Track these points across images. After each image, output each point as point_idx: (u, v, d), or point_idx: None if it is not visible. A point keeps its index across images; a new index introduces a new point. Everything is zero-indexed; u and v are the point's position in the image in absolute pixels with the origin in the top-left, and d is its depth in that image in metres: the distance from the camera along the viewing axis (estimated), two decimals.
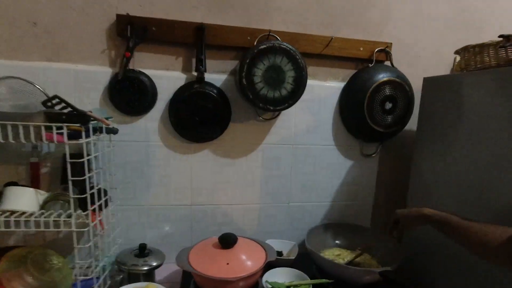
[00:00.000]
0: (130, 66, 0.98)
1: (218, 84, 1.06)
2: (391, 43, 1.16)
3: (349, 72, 1.18)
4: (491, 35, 0.91)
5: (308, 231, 1.15)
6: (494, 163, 0.84)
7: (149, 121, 1.04)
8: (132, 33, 0.94)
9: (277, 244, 1.15)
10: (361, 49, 1.13)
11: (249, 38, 1.03)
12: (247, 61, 0.97)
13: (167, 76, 1.03)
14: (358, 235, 1.20)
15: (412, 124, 1.18)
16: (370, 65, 1.14)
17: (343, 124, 1.20)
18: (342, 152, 1.23)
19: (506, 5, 1.25)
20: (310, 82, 1.10)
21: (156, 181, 1.08)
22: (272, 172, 1.18)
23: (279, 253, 1.15)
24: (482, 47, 0.89)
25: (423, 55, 1.23)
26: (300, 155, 1.19)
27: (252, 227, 1.20)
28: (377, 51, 1.14)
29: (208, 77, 1.04)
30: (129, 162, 1.05)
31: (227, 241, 0.95)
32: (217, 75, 1.07)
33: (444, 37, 1.23)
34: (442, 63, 1.25)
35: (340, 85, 1.18)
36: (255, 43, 1.02)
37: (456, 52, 0.99)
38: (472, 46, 0.92)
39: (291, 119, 1.15)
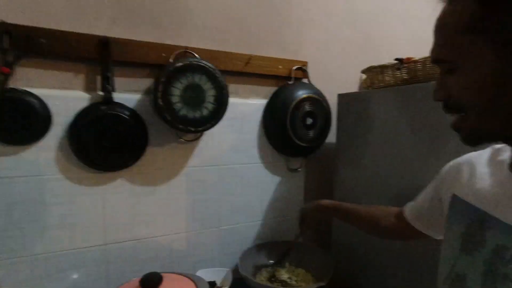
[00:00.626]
0: (12, 85, 0.80)
1: (130, 104, 0.94)
2: (307, 62, 1.22)
3: (270, 89, 1.19)
4: (387, 58, 1.02)
5: (240, 255, 1.10)
6: (398, 167, 0.93)
7: (42, 150, 0.86)
8: (11, 44, 0.77)
9: (209, 274, 1.06)
10: (280, 67, 1.16)
11: (163, 54, 0.95)
12: (163, 80, 0.88)
13: (64, 96, 0.87)
14: (290, 251, 1.19)
15: (332, 137, 1.25)
16: (289, 82, 1.17)
17: (268, 141, 1.20)
18: (269, 169, 1.22)
19: (398, 33, 1.45)
20: (232, 100, 1.07)
21: (55, 223, 0.89)
22: (199, 197, 1.10)
23: (212, 284, 1.06)
24: (382, 68, 0.99)
25: (335, 73, 1.33)
26: (227, 176, 1.14)
27: (180, 259, 1.09)
28: (295, 69, 1.18)
29: (118, 97, 0.92)
30: (16, 203, 0.84)
31: (150, 283, 0.83)
32: (128, 94, 0.95)
33: (351, 57, 1.35)
34: (351, 81, 1.36)
35: (263, 102, 1.18)
36: (170, 60, 0.95)
37: (363, 72, 1.09)
38: (375, 67, 1.02)
39: (215, 139, 1.09)
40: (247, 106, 1.15)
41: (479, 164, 0.52)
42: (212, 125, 0.98)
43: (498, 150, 0.51)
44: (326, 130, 1.23)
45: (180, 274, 0.93)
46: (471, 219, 0.47)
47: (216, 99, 0.96)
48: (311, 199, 1.34)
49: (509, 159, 0.46)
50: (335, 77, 1.33)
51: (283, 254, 1.13)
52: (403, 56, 0.91)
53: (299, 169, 1.27)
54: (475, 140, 0.45)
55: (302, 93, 1.16)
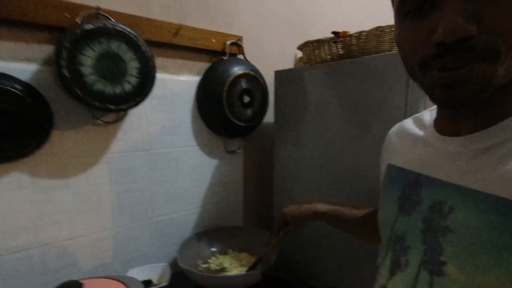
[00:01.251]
0: None
1: (23, 77, 0.74)
2: (242, 37, 1.15)
3: (204, 65, 1.09)
4: (317, 35, 1.01)
5: (179, 247, 1.01)
6: (336, 146, 0.95)
7: None
8: None
9: (143, 272, 0.95)
10: (214, 40, 1.06)
11: (67, 15, 0.76)
12: (68, 45, 0.71)
13: None
14: (232, 237, 1.15)
15: (270, 116, 1.21)
16: (224, 57, 1.09)
17: (203, 122, 1.10)
18: (205, 151, 1.13)
19: (332, 12, 1.47)
20: (160, 75, 0.95)
21: None
22: (126, 187, 0.95)
23: (148, 283, 0.95)
24: (319, 43, 0.97)
25: (271, 50, 1.29)
26: (159, 161, 1.01)
27: (106, 260, 0.94)
28: (229, 44, 1.10)
29: (5, 67, 0.71)
30: None
31: None
32: (20, 64, 0.74)
33: (286, 34, 1.32)
34: (287, 58, 1.35)
35: (196, 79, 1.07)
36: (77, 21, 0.77)
37: (299, 48, 1.06)
38: (311, 41, 1.00)
39: (142, 120, 0.96)
40: (178, 83, 1.03)
41: (406, 129, 0.53)
42: (137, 103, 0.84)
43: (420, 115, 0.53)
44: (264, 108, 1.19)
45: (107, 277, 0.80)
46: (406, 182, 0.47)
47: (140, 72, 0.82)
48: (251, 182, 1.32)
49: (432, 120, 0.47)
50: (271, 54, 1.29)
51: (254, 265, 0.95)
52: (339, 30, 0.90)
53: (238, 151, 1.22)
54: (478, 96, 0.33)
55: (238, 69, 1.09)
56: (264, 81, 1.17)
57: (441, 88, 0.34)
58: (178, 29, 0.96)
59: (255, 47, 1.22)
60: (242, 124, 1.12)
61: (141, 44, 0.81)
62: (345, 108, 0.91)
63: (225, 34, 1.10)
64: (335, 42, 0.88)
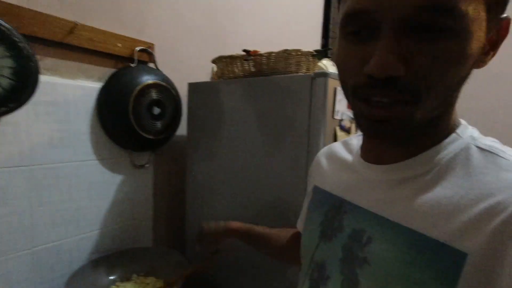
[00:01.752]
0: None
1: None
2: (153, 44, 1.08)
3: (107, 71, 0.98)
4: (237, 50, 1.02)
5: (67, 279, 0.86)
6: (250, 160, 0.96)
7: None
8: None
9: None
10: (119, 45, 0.97)
11: None
12: None
13: None
14: (137, 260, 1.04)
15: (183, 129, 1.16)
16: (132, 64, 1.00)
17: (105, 133, 0.99)
18: (108, 166, 1.01)
19: (247, 27, 1.51)
20: (49, 79, 0.82)
21: None
22: None
23: None
24: (232, 59, 0.98)
25: (186, 61, 1.25)
26: (44, 179, 0.86)
27: None
28: (138, 50, 1.02)
29: None
30: None
31: None
32: None
33: (203, 46, 1.31)
34: (204, 71, 1.32)
35: (97, 85, 0.96)
36: None
37: (213, 61, 1.05)
38: (225, 57, 1.00)
39: (20, 129, 0.80)
40: (73, 89, 0.90)
41: (334, 153, 0.53)
42: (11, 110, 0.70)
43: (349, 139, 0.54)
44: (176, 121, 1.14)
45: None
46: (329, 207, 0.46)
47: (15, 73, 0.68)
48: (162, 198, 1.23)
49: (359, 146, 0.47)
50: (187, 65, 1.25)
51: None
52: (250, 49, 0.93)
53: (147, 165, 1.12)
54: (400, 133, 0.35)
55: (147, 79, 1.01)
56: (177, 92, 1.12)
57: (365, 119, 0.35)
58: (72, 27, 0.85)
59: (169, 57, 1.17)
60: (151, 137, 1.04)
61: (17, 39, 0.68)
62: (259, 123, 0.93)
63: (133, 39, 1.01)
64: (245, 60, 0.89)
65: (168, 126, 1.10)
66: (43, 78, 0.81)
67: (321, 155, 0.57)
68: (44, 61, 0.83)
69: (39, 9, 0.79)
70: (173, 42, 1.18)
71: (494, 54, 0.34)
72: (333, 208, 0.46)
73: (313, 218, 0.49)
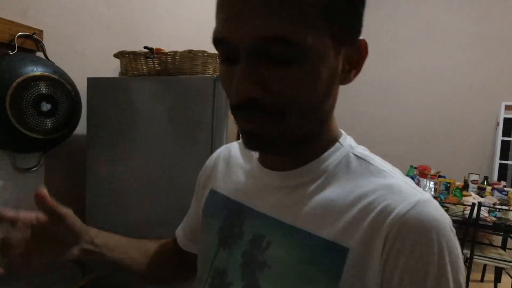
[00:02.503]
0: None
1: None
2: (42, 31, 0.95)
3: None
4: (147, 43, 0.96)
5: None
6: (158, 161, 0.92)
7: None
8: None
9: None
10: None
11: None
12: None
13: None
14: (22, 278, 0.90)
15: (83, 128, 1.05)
16: (10, 52, 0.86)
17: None
18: None
19: (167, 24, 1.44)
20: None
21: None
22: None
23: None
24: (135, 55, 0.93)
25: (89, 54, 1.13)
26: None
27: None
28: (20, 36, 0.88)
29: None
30: None
31: None
32: None
33: (108, 38, 1.20)
34: (111, 65, 1.22)
35: None
36: None
37: (115, 56, 0.98)
38: (128, 52, 0.94)
39: None
40: None
41: (233, 157, 0.52)
42: None
43: None
44: (74, 120, 1.02)
45: None
46: (228, 212, 0.46)
47: None
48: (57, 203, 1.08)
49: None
50: (88, 58, 1.13)
51: None
52: (154, 46, 0.89)
53: (36, 168, 0.98)
54: (273, 146, 0.37)
55: (33, 69, 0.89)
56: (74, 87, 1.01)
57: (242, 133, 0.37)
58: None
59: (65, 47, 1.04)
60: (39, 136, 0.92)
61: None
62: (166, 123, 0.90)
63: (13, 22, 0.87)
64: (148, 58, 0.85)
65: (64, 124, 0.98)
66: None
67: (218, 158, 0.55)
68: None
69: None
70: (69, 30, 1.06)
71: (357, 72, 0.38)
72: (232, 213, 0.45)
73: (210, 224, 0.48)
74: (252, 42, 0.31)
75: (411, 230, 0.32)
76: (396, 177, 0.38)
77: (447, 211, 2.26)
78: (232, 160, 0.52)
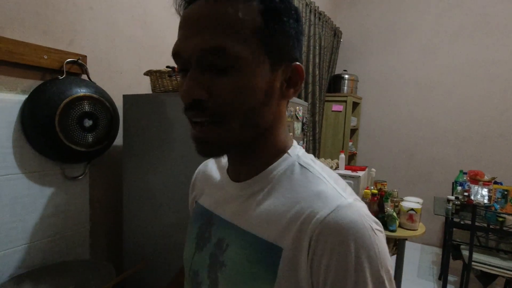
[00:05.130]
0: None
1: None
2: (86, 56, 1.08)
3: (32, 83, 0.97)
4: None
5: None
6: (189, 166, 0.98)
7: None
8: None
9: None
10: (46, 57, 0.97)
11: None
12: None
13: None
14: (66, 273, 1.03)
15: (120, 139, 1.17)
16: (60, 77, 1.00)
17: (31, 146, 0.97)
18: (35, 179, 1.00)
19: None
20: None
21: None
22: None
23: None
24: (161, 73, 1.01)
25: (124, 72, 1.25)
26: None
27: None
28: (68, 62, 1.02)
29: None
30: None
31: None
32: None
33: (142, 57, 1.32)
34: (145, 81, 1.34)
35: (20, 98, 0.95)
36: None
37: (145, 74, 1.07)
38: (154, 71, 1.02)
39: None
40: None
41: (209, 170, 0.58)
42: None
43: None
44: (112, 133, 1.14)
45: None
46: (203, 220, 0.52)
47: None
48: (100, 210, 1.22)
49: (226, 164, 0.53)
50: (124, 76, 1.25)
51: None
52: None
53: (81, 177, 1.12)
54: (220, 151, 0.42)
55: (78, 91, 1.01)
56: (112, 104, 1.13)
57: (194, 141, 0.42)
58: None
59: (104, 68, 1.17)
60: (82, 149, 1.04)
61: None
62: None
63: (62, 51, 1.01)
64: (170, 76, 0.92)
65: (103, 138, 1.10)
66: None
67: (199, 172, 0.61)
68: None
69: None
70: (108, 53, 1.19)
71: (296, 91, 0.44)
72: (205, 221, 0.51)
73: (191, 232, 0.54)
74: (197, 53, 0.37)
75: (330, 233, 0.36)
76: (327, 184, 0.41)
77: (503, 222, 2.03)
78: (208, 173, 0.58)
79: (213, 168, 0.58)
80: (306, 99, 2.53)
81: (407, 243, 1.99)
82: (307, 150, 2.57)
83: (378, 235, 0.37)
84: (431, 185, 3.05)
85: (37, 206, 1.01)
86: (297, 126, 1.39)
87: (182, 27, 0.40)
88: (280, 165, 0.45)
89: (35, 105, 0.95)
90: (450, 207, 2.12)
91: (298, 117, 1.42)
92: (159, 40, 1.39)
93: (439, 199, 2.44)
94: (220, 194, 0.51)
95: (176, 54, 0.40)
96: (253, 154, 0.45)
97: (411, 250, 2.86)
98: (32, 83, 0.97)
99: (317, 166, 0.45)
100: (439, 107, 3.06)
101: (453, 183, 2.55)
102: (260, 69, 0.39)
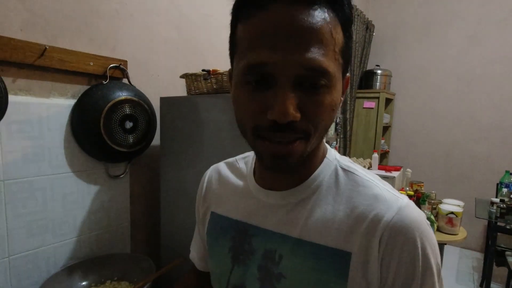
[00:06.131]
0: None
1: None
2: (126, 61, 1.14)
3: (81, 88, 1.04)
4: (215, 63, 1.06)
5: (42, 285, 0.92)
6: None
7: None
8: None
9: None
10: (91, 64, 1.03)
11: None
12: None
13: None
14: (112, 265, 1.10)
15: (157, 139, 1.22)
16: (104, 82, 1.06)
17: (79, 147, 1.05)
18: (83, 178, 1.07)
19: (223, 39, 1.56)
20: (21, 99, 0.88)
21: None
22: None
23: None
24: (196, 76, 1.04)
25: (161, 75, 1.30)
26: (19, 192, 0.92)
27: None
28: (111, 67, 1.08)
29: None
30: None
31: None
32: None
33: (177, 59, 1.36)
34: (178, 84, 1.38)
35: (70, 102, 1.02)
36: None
37: (181, 77, 1.11)
38: (190, 74, 1.06)
39: None
40: (47, 107, 0.96)
41: (224, 177, 0.56)
42: None
43: (234, 162, 0.57)
44: (149, 133, 1.19)
45: None
46: (235, 232, 0.50)
47: None
48: (139, 206, 1.29)
49: (250, 170, 0.52)
50: (160, 79, 1.30)
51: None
52: (210, 67, 0.98)
53: (123, 175, 1.19)
54: (297, 166, 0.41)
55: (119, 95, 1.07)
56: (150, 106, 1.18)
57: (270, 156, 0.40)
58: (44, 50, 0.91)
59: (142, 72, 1.22)
60: (124, 150, 1.10)
61: None
62: (228, 132, 0.97)
63: (105, 57, 1.07)
64: (205, 79, 0.95)
65: (142, 139, 1.16)
66: (16, 99, 0.88)
67: (211, 180, 0.58)
68: (17, 83, 0.89)
69: (11, 35, 0.86)
70: (146, 57, 1.24)
71: (342, 100, 0.44)
72: (238, 232, 0.49)
73: (220, 246, 0.51)
74: (296, 71, 0.36)
75: (398, 233, 0.40)
76: (380, 187, 0.44)
77: None
78: (224, 180, 0.56)
79: (229, 175, 0.56)
80: None
81: (445, 246, 1.90)
82: (338, 149, 2.52)
83: (430, 228, 0.42)
84: (471, 186, 2.87)
85: (84, 202, 1.09)
86: (331, 126, 1.37)
87: (276, 38, 0.36)
88: (323, 171, 0.46)
89: (83, 109, 1.02)
90: (494, 210, 1.98)
91: None
92: (193, 42, 1.42)
93: (481, 201, 2.29)
94: (250, 203, 0.49)
95: (261, 65, 0.37)
96: (304, 163, 0.44)
97: (449, 254, 2.72)
98: (80, 88, 1.04)
99: (359, 168, 0.47)
100: (482, 102, 2.86)
101: (497, 184, 2.38)
102: (339, 85, 0.41)
